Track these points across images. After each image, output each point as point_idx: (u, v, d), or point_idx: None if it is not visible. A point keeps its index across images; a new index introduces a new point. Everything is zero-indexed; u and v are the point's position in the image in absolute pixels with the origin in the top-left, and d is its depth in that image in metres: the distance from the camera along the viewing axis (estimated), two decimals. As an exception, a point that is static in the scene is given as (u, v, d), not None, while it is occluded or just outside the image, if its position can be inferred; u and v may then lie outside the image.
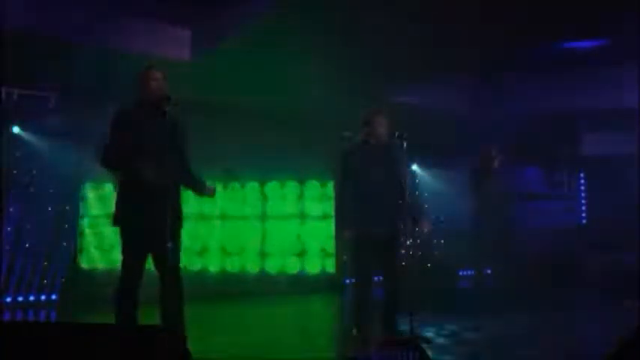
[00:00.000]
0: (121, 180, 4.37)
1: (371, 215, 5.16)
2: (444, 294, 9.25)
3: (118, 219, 4.33)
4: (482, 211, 7.18)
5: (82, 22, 6.24)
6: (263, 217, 9.33)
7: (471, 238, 7.75)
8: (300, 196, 9.46)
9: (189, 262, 8.80)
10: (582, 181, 10.99)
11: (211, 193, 4.62)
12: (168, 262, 4.00)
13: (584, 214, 10.90)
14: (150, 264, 4.33)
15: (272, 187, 9.38)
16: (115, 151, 4.25)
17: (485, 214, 7.16)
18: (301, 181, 9.47)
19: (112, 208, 4.41)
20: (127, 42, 6.50)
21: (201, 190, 4.56)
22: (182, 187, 4.48)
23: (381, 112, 5.36)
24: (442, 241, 11.03)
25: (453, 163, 10.19)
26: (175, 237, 4.25)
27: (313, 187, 9.51)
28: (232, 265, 9.16)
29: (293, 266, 9.33)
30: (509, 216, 7.45)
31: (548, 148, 7.37)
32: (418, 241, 10.56)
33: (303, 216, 9.45)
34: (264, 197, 9.37)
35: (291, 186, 9.45)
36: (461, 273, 11.19)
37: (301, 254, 9.38)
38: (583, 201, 10.93)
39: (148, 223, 4.11)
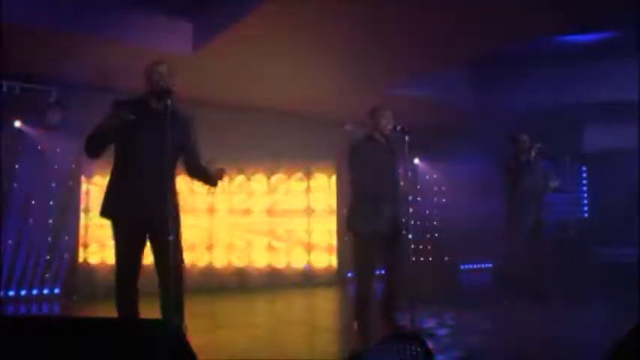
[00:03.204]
0: (113, 170, 4.31)
1: (380, 211, 5.17)
2: (446, 287, 9.28)
3: (108, 210, 4.25)
4: (518, 203, 7.06)
5: (83, 15, 6.24)
6: (270, 210, 9.34)
7: (492, 230, 7.66)
8: (307, 190, 9.47)
9: (197, 257, 8.84)
10: (584, 175, 11.00)
11: (220, 177, 4.43)
12: (169, 255, 4.00)
13: (585, 208, 10.92)
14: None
15: (278, 179, 9.37)
16: (94, 134, 4.15)
17: (521, 206, 7.05)
18: (308, 174, 9.46)
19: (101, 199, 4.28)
20: (127, 35, 6.49)
21: (209, 181, 4.46)
22: (194, 179, 4.51)
23: (385, 105, 5.38)
24: (443, 234, 11.05)
25: (454, 157, 10.21)
26: (175, 230, 4.25)
27: (320, 180, 9.49)
28: (238, 260, 9.16)
29: (299, 260, 9.34)
30: (541, 208, 7.36)
31: (549, 142, 7.36)
32: (420, 234, 10.62)
33: (309, 210, 9.45)
34: (271, 190, 9.36)
35: (298, 179, 9.45)
36: (462, 267, 11.24)
37: (308, 248, 9.39)
38: (585, 194, 10.94)
39: (144, 214, 4.10)
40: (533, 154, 7.10)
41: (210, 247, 9.01)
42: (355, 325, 5.33)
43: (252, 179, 9.31)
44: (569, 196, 10.71)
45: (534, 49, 7.95)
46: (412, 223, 10.24)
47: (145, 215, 4.13)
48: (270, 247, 9.31)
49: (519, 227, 7.02)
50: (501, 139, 7.57)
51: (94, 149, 4.18)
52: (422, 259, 10.64)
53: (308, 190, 9.51)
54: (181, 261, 4.35)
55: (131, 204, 4.18)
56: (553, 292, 7.41)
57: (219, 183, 4.50)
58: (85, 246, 8.25)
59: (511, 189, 7.15)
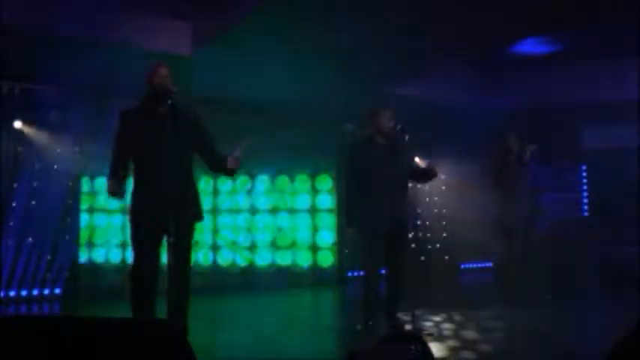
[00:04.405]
0: (134, 176, 4.45)
1: (377, 211, 5.17)
2: (446, 287, 9.28)
3: (134, 214, 4.39)
4: (508, 203, 7.05)
5: (83, 16, 6.25)
6: (274, 210, 9.32)
7: (487, 228, 7.66)
8: (311, 190, 9.44)
9: (201, 256, 8.84)
10: (584, 174, 10.99)
11: (235, 164, 4.55)
12: (180, 255, 4.06)
13: (585, 207, 10.91)
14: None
15: (282, 180, 9.36)
16: (117, 162, 4.38)
17: (512, 207, 7.04)
18: (312, 175, 9.44)
19: (128, 204, 4.49)
20: (126, 36, 6.50)
21: (225, 168, 4.57)
22: (216, 172, 4.70)
23: (386, 105, 5.39)
24: (444, 234, 11.05)
25: (454, 156, 10.21)
26: (189, 231, 4.36)
27: (324, 180, 9.46)
28: (243, 259, 9.16)
29: (304, 259, 9.32)
30: (534, 208, 7.36)
31: (548, 141, 7.37)
32: (420, 234, 10.62)
33: (314, 210, 9.42)
34: (275, 191, 9.34)
35: (302, 180, 9.42)
36: (463, 266, 11.23)
37: (313, 248, 9.38)
38: (584, 193, 10.94)
39: (164, 217, 4.13)
40: (527, 155, 7.08)
41: (214, 247, 9.02)
42: (359, 325, 5.34)
43: (254, 179, 9.30)
44: (568, 195, 10.71)
45: (534, 49, 7.95)
46: (412, 223, 10.27)
47: (166, 217, 4.14)
48: (273, 247, 9.30)
49: (511, 227, 7.02)
50: (500, 138, 7.59)
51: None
52: (422, 258, 10.63)
53: (310, 189, 9.49)
54: (189, 261, 4.43)
55: (152, 208, 4.27)
56: (552, 291, 7.42)
57: (236, 170, 4.60)
58: (86, 246, 8.26)
59: (499, 188, 7.14)
